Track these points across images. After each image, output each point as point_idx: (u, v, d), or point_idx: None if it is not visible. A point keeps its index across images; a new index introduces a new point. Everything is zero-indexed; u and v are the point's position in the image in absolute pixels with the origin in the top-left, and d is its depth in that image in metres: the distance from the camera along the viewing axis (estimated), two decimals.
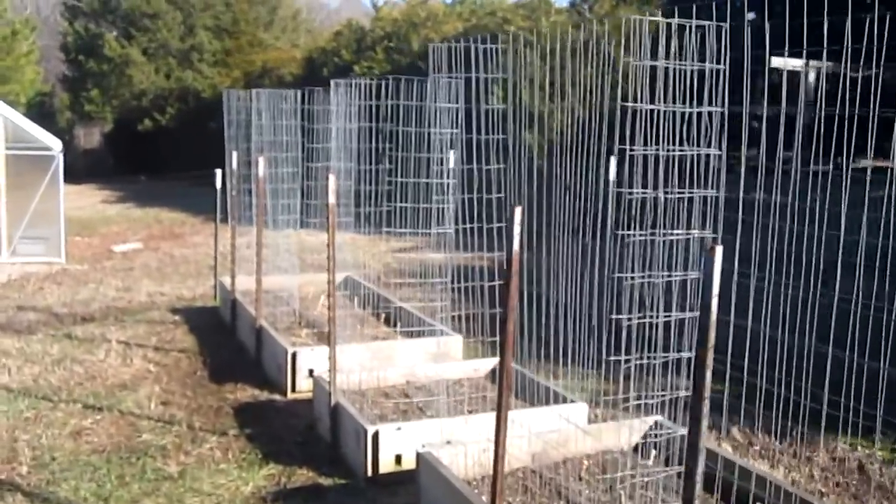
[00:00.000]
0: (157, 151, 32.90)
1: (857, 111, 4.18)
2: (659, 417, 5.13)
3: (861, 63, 4.20)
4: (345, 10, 60.50)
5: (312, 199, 7.15)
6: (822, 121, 4.27)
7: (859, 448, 5.68)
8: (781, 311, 4.55)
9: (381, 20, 20.78)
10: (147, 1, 32.86)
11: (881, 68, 4.17)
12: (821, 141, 4.36)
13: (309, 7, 44.69)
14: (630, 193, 3.50)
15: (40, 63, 39.45)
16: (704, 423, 2.41)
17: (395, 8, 21.93)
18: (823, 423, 4.71)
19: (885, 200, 4.28)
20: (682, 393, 3.51)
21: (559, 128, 4.74)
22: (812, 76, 13.35)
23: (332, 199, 5.35)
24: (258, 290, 7.52)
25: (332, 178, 5.33)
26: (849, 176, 4.29)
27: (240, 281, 8.94)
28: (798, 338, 4.50)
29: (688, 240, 3.56)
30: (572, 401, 5.77)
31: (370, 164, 6.61)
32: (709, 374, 2.41)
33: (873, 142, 4.61)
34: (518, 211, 3.32)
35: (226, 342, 8.47)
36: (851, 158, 4.48)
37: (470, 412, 5.88)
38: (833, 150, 4.28)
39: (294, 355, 6.76)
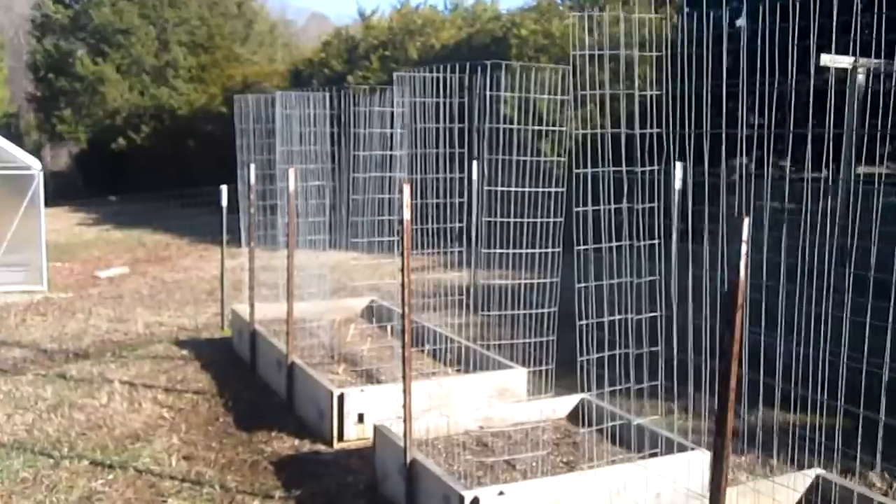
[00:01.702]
0: (129, 171, 31.65)
1: None
2: (821, 471, 4.22)
3: None
4: (311, 27, 59.58)
5: (360, 215, 6.16)
6: None
7: None
8: None
9: (372, 29, 19.84)
10: (119, 17, 31.67)
11: None
12: None
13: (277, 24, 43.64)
14: None
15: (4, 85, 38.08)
16: None
17: (386, 17, 21.01)
18: None
19: None
20: None
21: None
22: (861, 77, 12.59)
23: (406, 215, 4.40)
24: (290, 321, 6.52)
25: (406, 189, 4.38)
26: None
27: (258, 309, 7.95)
28: None
29: None
30: (691, 448, 4.83)
31: (435, 171, 5.64)
32: None
33: None
34: (746, 224, 2.40)
35: (247, 381, 7.44)
36: None
37: (566, 463, 4.94)
38: None
39: (342, 398, 5.77)
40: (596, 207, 3.64)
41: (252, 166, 7.27)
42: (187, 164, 27.61)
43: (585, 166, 3.88)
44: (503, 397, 6.28)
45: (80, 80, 32.26)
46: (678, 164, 8.05)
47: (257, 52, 34.34)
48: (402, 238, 4.41)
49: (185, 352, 8.45)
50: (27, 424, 6.58)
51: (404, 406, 4.59)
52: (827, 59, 10.39)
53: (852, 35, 3.47)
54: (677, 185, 8.12)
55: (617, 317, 4.01)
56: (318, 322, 7.50)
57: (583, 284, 3.81)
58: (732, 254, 2.40)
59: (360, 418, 5.80)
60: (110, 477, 5.56)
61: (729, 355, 2.50)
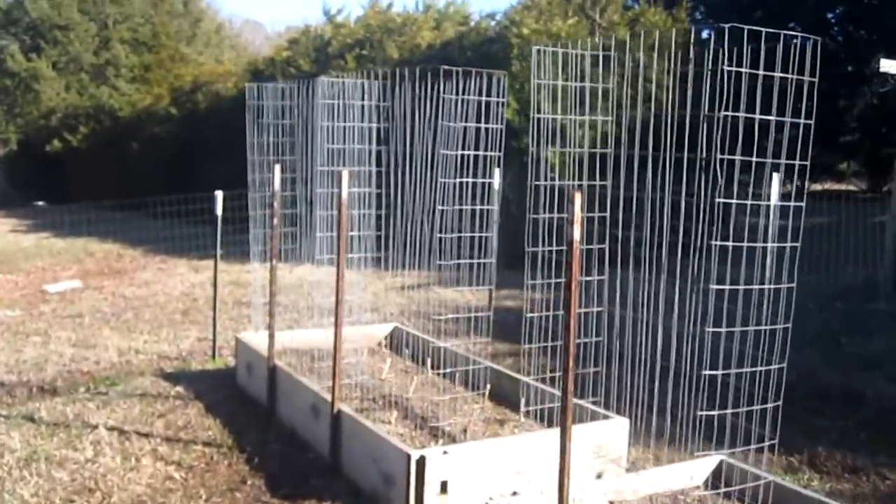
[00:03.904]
0: (62, 175, 29.66)
1: None
2: None
3: None
4: (246, 33, 57.89)
5: (447, 230, 4.90)
6: None
7: None
8: None
9: (343, 27, 18.55)
10: (57, 11, 29.74)
11: None
12: None
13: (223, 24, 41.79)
14: None
15: None
16: None
17: (352, 16, 19.73)
18: None
19: None
20: None
21: None
22: None
23: (576, 234, 3.22)
24: (337, 358, 5.24)
25: (577, 199, 3.20)
26: None
27: (261, 338, 6.70)
28: None
29: None
30: None
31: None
32: None
33: None
34: None
35: (267, 429, 6.10)
36: None
37: None
38: None
39: (422, 462, 4.53)
40: None
41: (277, 168, 5.99)
42: (129, 169, 25.86)
43: None
44: (602, 457, 5.12)
45: (11, 76, 30.22)
46: (774, 176, 7.03)
47: (203, 52, 32.72)
48: (571, 263, 3.22)
49: (178, 388, 7.07)
50: None
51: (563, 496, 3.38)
52: (887, 65, 9.50)
53: None
54: (773, 198, 7.10)
55: None
56: (356, 356, 6.26)
57: None
58: None
59: (443, 487, 4.57)
60: None
61: None
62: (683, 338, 4.10)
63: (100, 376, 7.65)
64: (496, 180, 7.44)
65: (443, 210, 4.83)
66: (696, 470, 4.60)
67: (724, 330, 3.59)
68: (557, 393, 5.40)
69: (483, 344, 6.66)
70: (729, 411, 3.59)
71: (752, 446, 3.77)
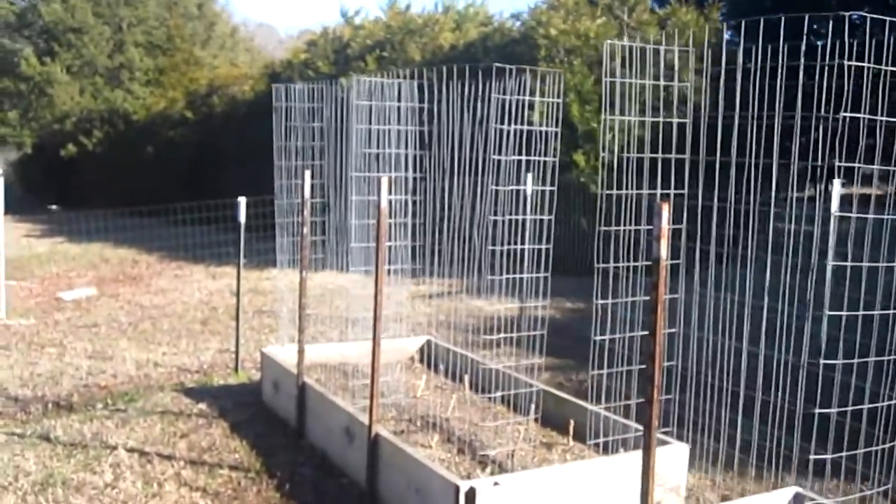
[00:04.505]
0: (77, 179, 29.45)
1: None
2: None
3: None
4: (258, 37, 57.74)
5: (496, 240, 4.50)
6: None
7: None
8: None
9: (362, 28, 18.24)
10: (71, 14, 29.49)
11: None
12: None
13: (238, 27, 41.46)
14: None
15: None
16: None
17: (371, 18, 19.41)
18: None
19: None
20: None
21: None
22: None
23: (662, 252, 2.84)
24: (375, 378, 4.87)
25: (664, 211, 2.83)
26: None
27: (287, 352, 6.36)
28: None
29: None
30: None
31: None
32: None
33: None
34: None
35: (297, 452, 5.72)
36: None
37: None
38: None
39: (472, 495, 4.16)
40: None
41: (307, 174, 5.64)
42: (144, 173, 25.60)
43: None
44: (660, 485, 4.73)
45: (26, 80, 29.98)
46: (835, 182, 6.66)
47: (218, 55, 32.44)
48: (656, 283, 2.85)
49: (201, 406, 6.71)
50: None
51: None
52: None
53: None
54: (834, 206, 6.72)
55: None
56: (393, 376, 5.89)
57: None
58: None
59: None
60: None
61: None
62: (772, 365, 3.73)
63: (118, 391, 7.30)
64: (529, 186, 7.09)
65: (495, 220, 4.45)
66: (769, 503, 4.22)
67: (839, 362, 3.21)
68: (618, 419, 5.04)
69: (516, 359, 6.30)
70: (845, 454, 3.21)
71: (861, 493, 3.38)
